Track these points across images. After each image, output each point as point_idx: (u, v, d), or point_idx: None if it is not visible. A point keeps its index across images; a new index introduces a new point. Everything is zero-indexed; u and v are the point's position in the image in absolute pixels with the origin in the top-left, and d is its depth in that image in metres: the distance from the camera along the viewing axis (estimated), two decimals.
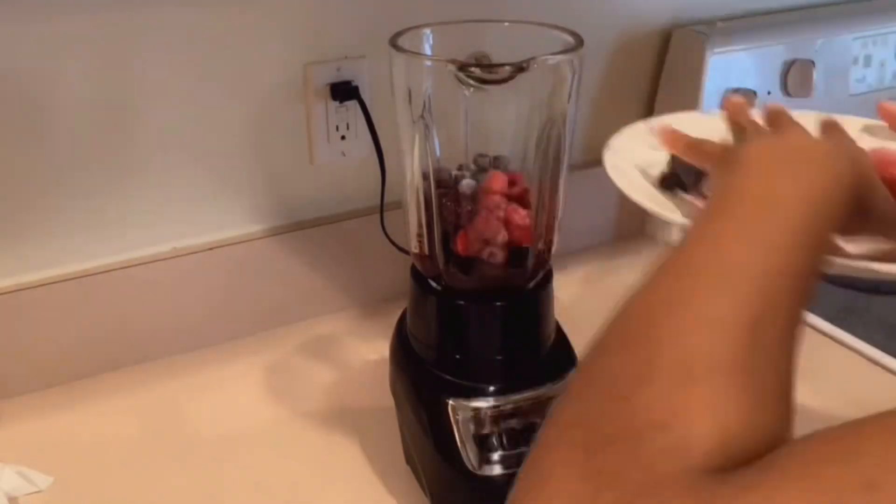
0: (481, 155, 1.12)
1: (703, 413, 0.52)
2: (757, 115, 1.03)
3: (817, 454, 0.48)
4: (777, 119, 0.97)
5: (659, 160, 1.10)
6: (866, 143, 1.10)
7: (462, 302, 1.13)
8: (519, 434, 1.09)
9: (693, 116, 1.28)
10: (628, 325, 0.61)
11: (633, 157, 1.13)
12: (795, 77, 1.71)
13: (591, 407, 0.56)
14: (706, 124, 1.17)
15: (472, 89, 1.05)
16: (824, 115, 1.00)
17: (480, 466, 1.08)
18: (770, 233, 0.65)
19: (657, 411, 0.52)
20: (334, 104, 1.44)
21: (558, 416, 0.57)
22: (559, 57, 1.04)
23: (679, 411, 0.52)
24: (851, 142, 0.91)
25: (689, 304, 0.59)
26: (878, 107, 1.15)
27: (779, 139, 0.84)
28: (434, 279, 1.14)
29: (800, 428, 0.55)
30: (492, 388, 1.11)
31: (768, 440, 0.53)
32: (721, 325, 0.57)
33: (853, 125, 1.17)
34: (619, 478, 0.49)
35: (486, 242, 1.09)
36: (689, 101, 1.66)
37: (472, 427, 1.09)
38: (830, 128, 0.97)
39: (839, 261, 0.84)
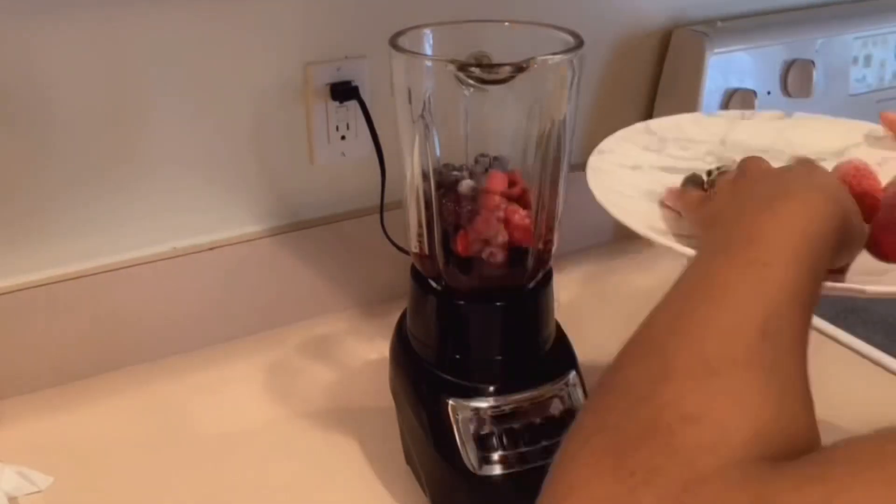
0: (482, 155, 1.12)
1: (732, 404, 0.52)
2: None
3: (884, 449, 0.47)
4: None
5: (648, 162, 1.10)
6: (865, 152, 1.10)
7: (462, 302, 1.13)
8: (519, 434, 1.09)
9: (696, 117, 1.28)
10: (638, 344, 0.61)
11: (624, 160, 1.14)
12: (795, 77, 1.71)
13: (611, 414, 0.55)
14: (707, 124, 1.17)
15: (472, 89, 1.05)
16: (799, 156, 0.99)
17: (480, 466, 1.08)
18: (767, 260, 0.65)
19: (685, 405, 0.52)
20: (334, 104, 1.44)
21: (578, 430, 0.56)
22: (559, 57, 1.04)
23: (707, 402, 0.52)
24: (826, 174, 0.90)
25: (696, 316, 0.59)
26: (880, 116, 1.15)
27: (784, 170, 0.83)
28: (434, 279, 1.14)
29: None
30: (492, 388, 1.11)
31: (802, 432, 0.53)
32: (732, 330, 0.57)
33: (857, 130, 1.18)
34: (657, 475, 0.48)
35: (486, 242, 1.09)
36: (689, 101, 1.66)
37: (472, 427, 1.09)
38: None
39: (828, 284, 0.84)
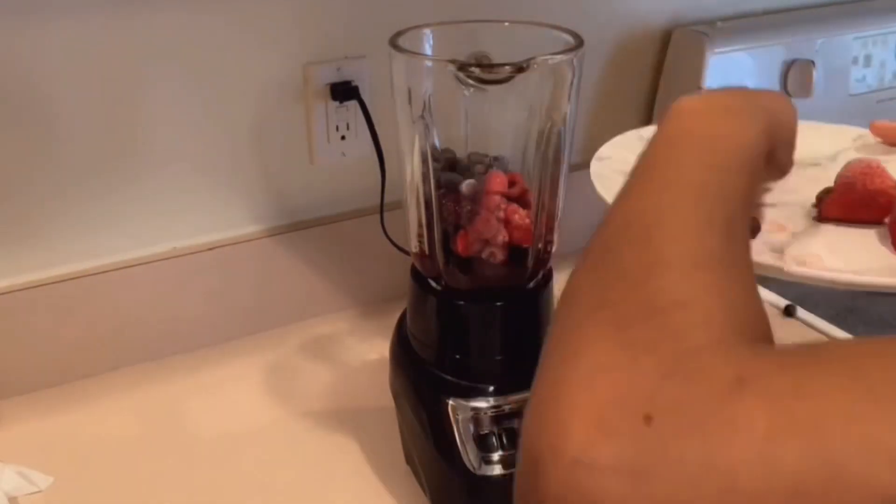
0: (482, 155, 1.12)
1: (714, 294, 0.58)
2: None
3: (855, 350, 0.52)
4: None
5: None
6: (853, 156, 1.11)
7: (462, 302, 1.13)
8: (519, 434, 1.09)
9: None
10: (628, 227, 0.66)
11: (623, 166, 1.14)
12: (795, 77, 1.71)
13: (611, 292, 0.60)
14: None
15: (471, 89, 1.05)
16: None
17: (480, 466, 1.08)
18: (721, 160, 0.72)
19: (676, 293, 0.57)
20: (334, 104, 1.44)
21: (577, 298, 0.62)
22: (559, 57, 1.04)
23: (694, 293, 0.57)
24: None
25: (678, 211, 0.65)
26: (870, 126, 1.16)
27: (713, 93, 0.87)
28: (434, 279, 1.14)
29: None
30: (492, 388, 1.11)
31: (762, 318, 0.59)
32: (707, 227, 0.63)
33: (847, 135, 1.18)
34: (654, 346, 0.53)
35: (486, 242, 1.09)
36: None
37: (471, 427, 1.09)
38: None
39: (826, 274, 0.85)
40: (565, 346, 0.58)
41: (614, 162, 1.13)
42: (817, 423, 0.46)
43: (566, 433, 0.52)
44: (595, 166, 1.09)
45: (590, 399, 0.52)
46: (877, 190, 0.96)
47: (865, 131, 1.17)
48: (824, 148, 1.14)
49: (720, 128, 0.76)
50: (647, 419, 0.49)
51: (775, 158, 0.84)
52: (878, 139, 1.15)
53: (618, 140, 1.16)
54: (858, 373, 0.48)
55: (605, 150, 1.13)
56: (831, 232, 0.96)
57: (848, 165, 1.01)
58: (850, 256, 0.92)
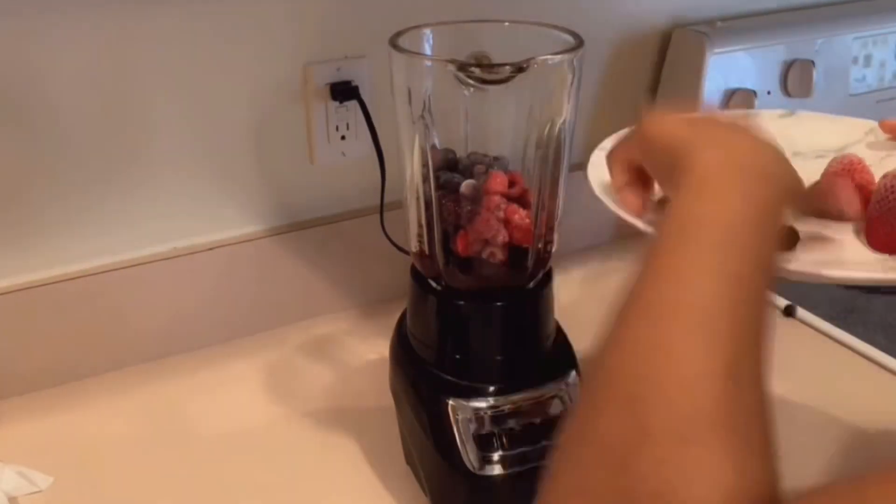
0: (482, 155, 1.12)
1: (701, 476, 0.54)
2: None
3: None
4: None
5: None
6: (865, 151, 1.11)
7: (462, 302, 1.13)
8: (519, 434, 1.09)
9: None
10: (612, 378, 0.62)
11: None
12: (795, 77, 1.71)
13: (590, 476, 0.57)
14: None
15: (472, 89, 1.05)
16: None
17: (481, 467, 1.08)
18: (731, 263, 0.67)
19: (654, 481, 0.54)
20: (334, 104, 1.44)
21: (559, 482, 0.59)
22: (559, 57, 1.04)
23: (676, 477, 0.54)
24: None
25: (669, 354, 0.61)
26: (880, 124, 1.16)
27: (728, 152, 0.82)
28: (434, 279, 1.14)
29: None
30: (492, 388, 1.11)
31: (764, 490, 0.55)
32: (702, 379, 0.59)
33: (860, 128, 1.18)
34: None
35: (486, 242, 1.09)
36: (689, 101, 1.66)
37: (472, 427, 1.09)
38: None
39: (793, 268, 0.85)
40: None
41: None
42: None
43: None
44: (596, 155, 1.09)
45: None
46: (857, 185, 0.97)
47: (872, 123, 1.18)
48: (833, 140, 1.14)
49: (734, 209, 0.72)
50: None
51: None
52: (888, 136, 1.15)
53: (624, 134, 1.17)
54: None
55: (610, 142, 1.13)
56: (811, 225, 0.96)
57: (832, 161, 1.02)
58: (827, 251, 0.93)
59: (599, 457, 0.58)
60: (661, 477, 0.54)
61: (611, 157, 0.98)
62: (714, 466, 0.54)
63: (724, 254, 0.67)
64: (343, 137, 1.47)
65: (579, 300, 1.56)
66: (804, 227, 0.92)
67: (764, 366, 0.63)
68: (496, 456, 1.08)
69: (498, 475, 1.08)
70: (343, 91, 1.43)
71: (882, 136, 1.16)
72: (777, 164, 0.81)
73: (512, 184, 1.10)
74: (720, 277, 0.65)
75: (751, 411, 0.59)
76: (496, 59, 1.08)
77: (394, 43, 1.06)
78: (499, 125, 1.15)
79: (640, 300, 0.66)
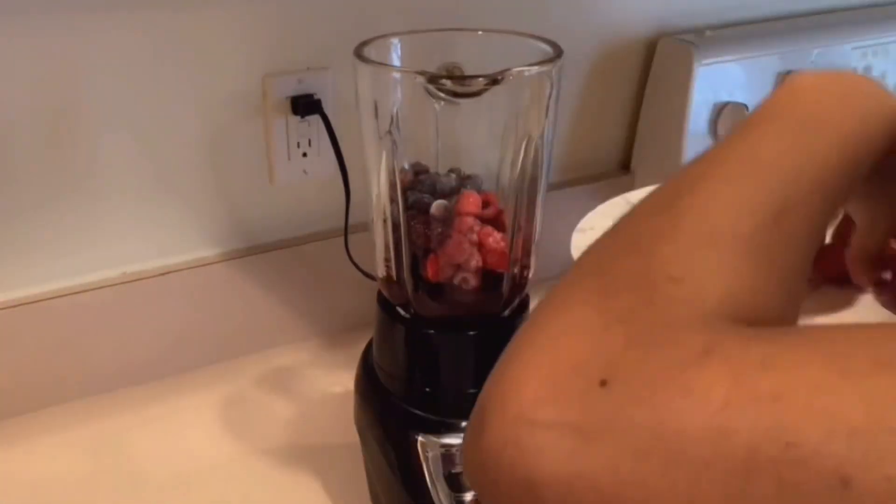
0: (452, 171, 1.13)
1: (716, 274, 0.58)
2: None
3: (831, 333, 0.52)
4: None
5: None
6: None
7: (432, 331, 1.13)
8: None
9: None
10: (660, 196, 0.67)
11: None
12: None
13: (612, 259, 0.62)
14: None
15: (442, 103, 1.06)
16: None
17: None
18: (809, 143, 0.70)
19: (674, 267, 0.58)
20: (295, 119, 1.44)
21: (581, 263, 0.64)
22: (536, 68, 1.05)
23: (694, 269, 0.58)
24: None
25: (720, 182, 0.65)
26: None
27: (829, 72, 0.85)
28: (402, 306, 1.14)
29: None
30: (464, 424, 1.11)
31: (775, 310, 0.60)
32: (748, 205, 0.63)
33: None
34: (631, 316, 0.55)
35: (458, 267, 1.09)
36: (675, 115, 1.66)
37: (442, 465, 1.09)
38: None
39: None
40: (547, 306, 0.61)
41: (598, 233, 1.14)
42: (779, 394, 0.47)
43: (517, 389, 0.54)
44: (577, 239, 1.10)
45: (549, 360, 0.55)
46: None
47: None
48: None
49: (823, 110, 0.74)
50: (603, 383, 0.51)
51: None
52: None
53: (603, 209, 1.17)
54: (830, 348, 0.49)
55: (588, 221, 1.13)
56: None
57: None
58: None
59: (625, 245, 0.63)
60: (679, 265, 0.58)
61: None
62: (730, 270, 0.59)
63: (803, 136, 0.71)
64: (305, 154, 1.48)
65: None
66: None
67: (811, 239, 0.67)
68: (468, 496, 1.08)
69: None
70: (305, 105, 1.43)
71: None
72: (881, 88, 0.82)
73: (486, 204, 1.10)
74: (792, 150, 0.69)
75: (785, 248, 0.63)
76: (469, 71, 1.08)
77: (359, 53, 1.07)
78: (472, 141, 1.16)
79: (705, 154, 0.70)
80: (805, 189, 0.66)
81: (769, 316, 0.59)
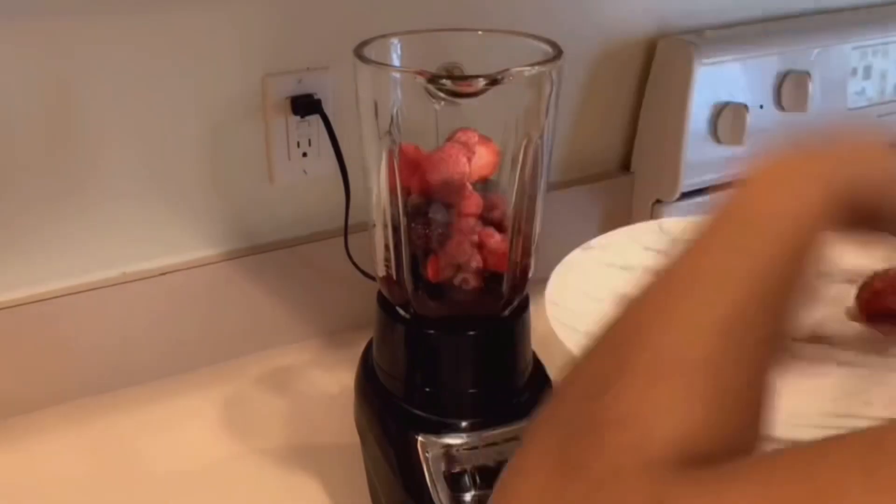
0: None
1: (664, 411, 0.57)
2: None
3: (776, 468, 0.51)
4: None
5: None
6: None
7: (432, 331, 1.13)
8: (493, 472, 1.09)
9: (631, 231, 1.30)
10: (616, 331, 0.66)
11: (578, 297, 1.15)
12: (790, 90, 1.72)
13: (567, 405, 0.61)
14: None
15: (442, 103, 1.06)
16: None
17: None
18: (751, 246, 0.68)
19: (619, 409, 0.57)
20: (295, 119, 1.44)
21: (541, 414, 0.62)
22: (536, 68, 1.05)
23: (640, 409, 0.57)
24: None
25: (673, 309, 0.64)
26: None
27: (787, 156, 0.84)
28: (402, 306, 1.14)
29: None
30: (464, 424, 1.11)
31: (729, 443, 0.57)
32: (696, 326, 0.62)
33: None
34: (584, 470, 0.54)
35: (458, 268, 1.09)
36: (675, 115, 1.66)
37: (442, 465, 1.09)
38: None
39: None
40: (513, 465, 0.59)
41: (570, 306, 1.14)
42: None
43: None
44: (551, 310, 1.11)
45: None
46: None
47: None
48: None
49: (766, 203, 0.72)
50: None
51: (877, 207, 0.79)
52: None
53: (570, 258, 1.18)
54: (770, 492, 0.49)
55: (555, 284, 1.14)
56: None
57: None
58: None
59: (579, 389, 0.62)
60: (625, 407, 0.57)
61: None
62: (679, 405, 0.57)
63: (753, 237, 0.69)
64: (305, 154, 1.48)
65: None
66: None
67: (768, 348, 0.65)
68: (468, 496, 1.08)
69: None
70: (305, 105, 1.43)
71: None
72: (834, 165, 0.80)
73: (487, 205, 1.10)
74: (739, 252, 0.68)
75: (739, 368, 0.61)
76: (469, 71, 1.08)
77: (359, 53, 1.07)
78: None
79: (662, 271, 0.69)
80: (744, 297, 0.65)
81: (726, 443, 0.57)
